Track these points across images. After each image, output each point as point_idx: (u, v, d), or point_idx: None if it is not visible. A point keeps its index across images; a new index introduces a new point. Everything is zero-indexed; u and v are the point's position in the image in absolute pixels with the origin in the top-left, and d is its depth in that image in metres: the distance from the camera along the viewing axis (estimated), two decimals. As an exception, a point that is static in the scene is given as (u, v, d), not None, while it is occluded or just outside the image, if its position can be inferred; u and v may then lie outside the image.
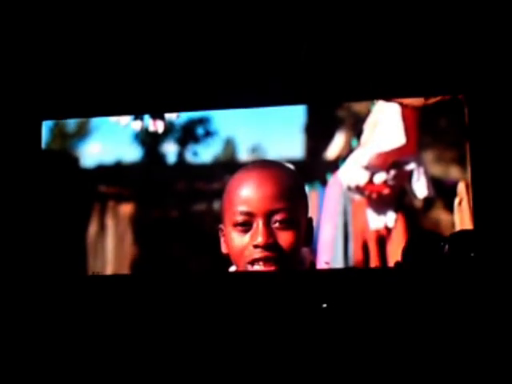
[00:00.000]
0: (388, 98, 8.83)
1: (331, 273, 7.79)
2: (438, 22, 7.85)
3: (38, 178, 9.46)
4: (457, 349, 4.36)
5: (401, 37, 8.06)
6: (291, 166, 7.30)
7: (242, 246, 6.43)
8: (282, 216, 6.56)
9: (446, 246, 4.63)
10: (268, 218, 6.49)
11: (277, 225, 6.48)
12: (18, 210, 9.01)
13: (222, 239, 6.64)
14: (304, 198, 6.72)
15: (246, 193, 6.60)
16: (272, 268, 6.33)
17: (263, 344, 5.78)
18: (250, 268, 6.40)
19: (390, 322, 4.90)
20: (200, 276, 8.30)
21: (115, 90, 9.26)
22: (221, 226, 6.81)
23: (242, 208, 6.46)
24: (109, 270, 8.59)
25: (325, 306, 6.28)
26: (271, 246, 6.31)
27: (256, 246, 6.39)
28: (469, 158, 8.56)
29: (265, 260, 6.45)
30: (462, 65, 8.50)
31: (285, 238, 6.66)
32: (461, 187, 7.83)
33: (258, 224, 6.43)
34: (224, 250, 6.77)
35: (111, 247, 8.91)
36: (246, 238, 6.45)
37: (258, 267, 6.34)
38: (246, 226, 6.32)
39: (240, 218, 6.39)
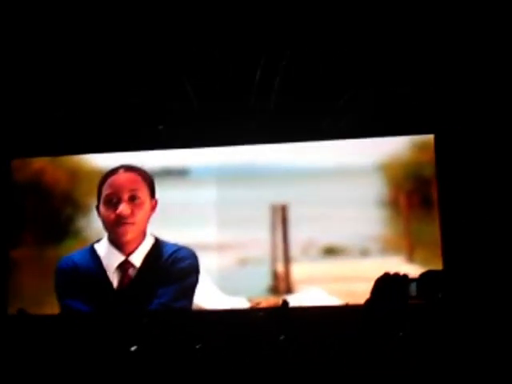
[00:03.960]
0: (359, 137, 9.03)
1: (303, 310, 7.85)
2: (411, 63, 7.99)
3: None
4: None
5: (377, 75, 8.18)
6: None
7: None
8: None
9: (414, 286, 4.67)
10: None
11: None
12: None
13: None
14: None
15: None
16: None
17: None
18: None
19: (356, 358, 4.91)
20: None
21: (88, 128, 9.42)
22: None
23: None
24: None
25: (282, 337, 6.40)
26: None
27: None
28: (437, 198, 8.76)
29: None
30: (433, 105, 8.68)
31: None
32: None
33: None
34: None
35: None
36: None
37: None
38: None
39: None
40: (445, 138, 8.66)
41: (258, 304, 8.81)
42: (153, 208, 9.53)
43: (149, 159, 9.89)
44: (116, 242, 9.53)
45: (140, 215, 9.52)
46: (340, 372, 4.95)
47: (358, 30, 7.32)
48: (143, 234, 9.58)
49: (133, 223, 9.51)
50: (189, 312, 8.84)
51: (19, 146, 9.60)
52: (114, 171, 9.75)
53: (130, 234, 9.50)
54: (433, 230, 8.62)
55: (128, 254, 9.48)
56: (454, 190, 8.49)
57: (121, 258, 9.42)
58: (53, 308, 8.96)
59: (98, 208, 9.62)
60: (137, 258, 9.49)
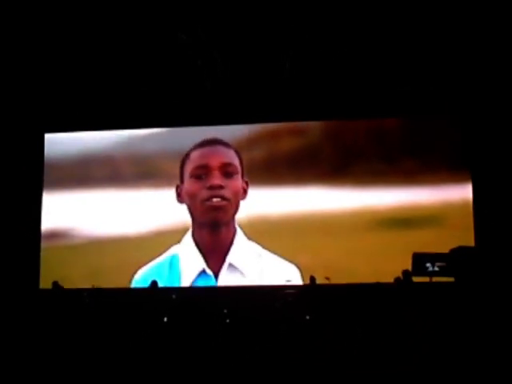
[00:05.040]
0: (385, 116, 9.01)
1: (331, 287, 7.88)
2: (435, 45, 8.05)
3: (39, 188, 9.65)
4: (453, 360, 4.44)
5: (402, 58, 8.25)
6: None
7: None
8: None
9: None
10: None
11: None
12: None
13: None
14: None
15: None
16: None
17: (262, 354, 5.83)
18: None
19: (390, 334, 4.96)
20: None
21: (118, 105, 9.44)
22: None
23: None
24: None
25: (308, 317, 6.45)
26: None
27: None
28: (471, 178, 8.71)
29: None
30: (460, 87, 8.68)
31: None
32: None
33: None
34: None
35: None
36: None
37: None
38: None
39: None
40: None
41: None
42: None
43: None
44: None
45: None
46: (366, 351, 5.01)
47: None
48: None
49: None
50: (216, 288, 8.83)
51: (53, 121, 9.65)
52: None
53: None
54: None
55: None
56: (485, 169, 8.48)
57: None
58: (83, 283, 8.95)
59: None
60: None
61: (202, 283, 8.82)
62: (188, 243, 8.93)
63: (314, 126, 9.37)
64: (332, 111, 9.02)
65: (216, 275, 8.82)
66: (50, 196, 9.72)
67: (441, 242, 7.47)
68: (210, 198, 8.61)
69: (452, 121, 8.95)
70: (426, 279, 6.96)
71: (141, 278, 8.81)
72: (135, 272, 8.94)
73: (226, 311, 6.90)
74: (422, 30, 7.81)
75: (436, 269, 6.72)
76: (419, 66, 8.41)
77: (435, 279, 6.79)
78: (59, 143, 9.81)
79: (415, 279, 6.67)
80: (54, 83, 9.03)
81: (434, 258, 6.67)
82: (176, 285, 8.85)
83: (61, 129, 9.77)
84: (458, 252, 4.80)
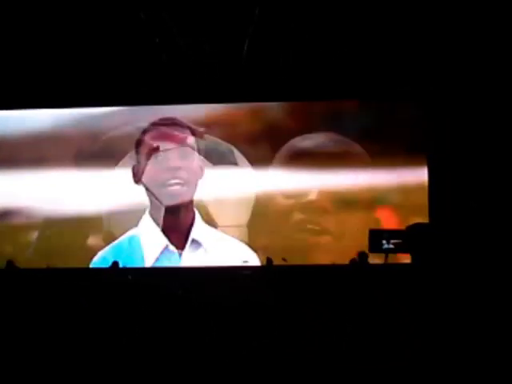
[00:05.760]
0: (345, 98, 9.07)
1: (288, 269, 7.93)
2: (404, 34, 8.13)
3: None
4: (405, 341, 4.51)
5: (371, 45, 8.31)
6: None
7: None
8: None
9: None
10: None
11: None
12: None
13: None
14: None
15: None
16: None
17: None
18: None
19: (345, 314, 5.03)
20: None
21: (74, 82, 9.24)
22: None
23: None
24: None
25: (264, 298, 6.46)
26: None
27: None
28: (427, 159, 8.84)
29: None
30: (419, 71, 8.76)
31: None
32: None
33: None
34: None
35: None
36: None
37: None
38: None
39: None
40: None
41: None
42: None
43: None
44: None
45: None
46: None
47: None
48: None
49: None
50: (174, 269, 8.80)
51: (4, 97, 9.42)
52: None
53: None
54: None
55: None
56: (441, 153, 8.62)
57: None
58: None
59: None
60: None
61: (165, 260, 8.78)
62: (147, 222, 8.86)
63: (272, 107, 9.37)
64: (292, 92, 9.02)
65: (180, 252, 8.78)
66: (2, 174, 9.53)
67: (397, 224, 7.61)
68: (168, 181, 8.53)
69: (412, 106, 9.04)
70: (381, 260, 7.08)
71: (99, 260, 8.73)
72: (92, 252, 8.86)
73: (180, 292, 6.87)
74: (384, 13, 7.84)
75: (391, 246, 6.85)
76: (381, 50, 8.44)
77: (391, 260, 6.92)
78: (12, 120, 9.62)
79: (371, 260, 6.77)
80: (4, 59, 8.82)
81: (390, 234, 6.79)
82: (139, 264, 8.76)
83: (14, 106, 9.56)
84: (414, 228, 4.86)
